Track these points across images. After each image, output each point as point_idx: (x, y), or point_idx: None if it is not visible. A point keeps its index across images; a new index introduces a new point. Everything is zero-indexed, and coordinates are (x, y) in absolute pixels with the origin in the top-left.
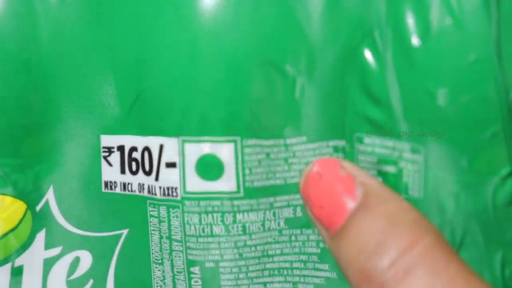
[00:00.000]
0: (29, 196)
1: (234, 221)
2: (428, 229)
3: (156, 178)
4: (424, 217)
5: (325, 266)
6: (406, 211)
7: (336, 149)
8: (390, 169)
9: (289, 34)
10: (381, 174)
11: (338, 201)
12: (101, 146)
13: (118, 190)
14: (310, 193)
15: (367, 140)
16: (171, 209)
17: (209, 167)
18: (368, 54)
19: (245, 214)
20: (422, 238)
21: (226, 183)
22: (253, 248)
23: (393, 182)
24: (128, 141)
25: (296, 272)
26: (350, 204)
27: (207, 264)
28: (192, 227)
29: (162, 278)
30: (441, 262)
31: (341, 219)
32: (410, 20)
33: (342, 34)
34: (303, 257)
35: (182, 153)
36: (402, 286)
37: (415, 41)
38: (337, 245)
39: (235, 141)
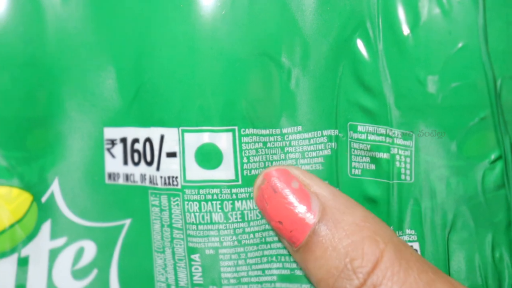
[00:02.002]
0: (35, 187)
1: (233, 209)
2: (388, 237)
3: (157, 168)
4: (382, 223)
5: None
6: (364, 221)
7: (330, 138)
8: (383, 155)
9: (284, 27)
10: (374, 160)
11: (297, 217)
12: (104, 139)
13: (121, 181)
14: (267, 208)
15: (361, 128)
16: (172, 198)
17: (208, 156)
18: (360, 45)
19: (244, 201)
20: (383, 254)
21: (225, 172)
22: (251, 235)
23: (386, 168)
24: (130, 132)
25: (293, 258)
26: (310, 220)
27: (207, 251)
28: (192, 215)
29: (163, 266)
30: (401, 274)
31: (303, 235)
32: (401, 10)
33: (335, 26)
34: None
35: (182, 143)
36: None
37: (405, 30)
38: (303, 259)
39: (233, 131)
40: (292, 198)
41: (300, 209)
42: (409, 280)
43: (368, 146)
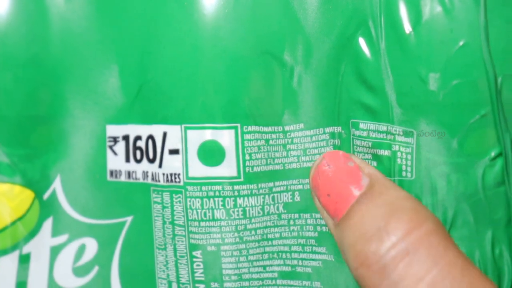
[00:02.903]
0: (37, 185)
1: (235, 206)
2: (427, 216)
3: (160, 165)
4: (423, 205)
5: (323, 249)
6: (406, 199)
7: (332, 135)
8: (384, 152)
9: (286, 26)
10: (376, 157)
11: (344, 189)
12: (107, 136)
13: (123, 178)
14: (319, 182)
15: (362, 125)
16: (174, 195)
17: (211, 153)
18: (362, 43)
19: (245, 198)
20: (421, 225)
21: (227, 169)
22: (253, 232)
23: (387, 165)
24: (133, 130)
25: (294, 255)
26: (355, 192)
27: (209, 248)
28: (194, 212)
29: (165, 263)
30: (439, 248)
31: (346, 206)
32: (403, 9)
33: (337, 24)
34: (301, 241)
35: (184, 140)
36: (400, 268)
37: (407, 29)
38: (341, 231)
39: (235, 128)
40: (344, 173)
41: (349, 182)
42: (448, 257)
43: (370, 143)
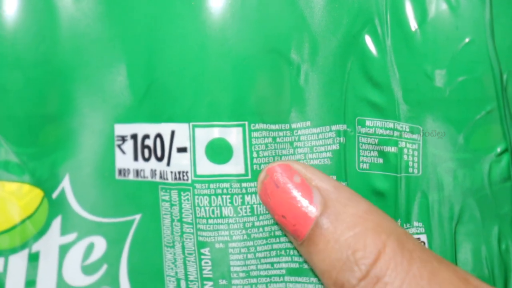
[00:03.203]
0: (46, 183)
1: (243, 203)
2: (390, 231)
3: (168, 163)
4: (385, 215)
5: None
6: (365, 216)
7: (338, 133)
8: (391, 149)
9: (293, 24)
10: (382, 154)
11: (299, 211)
12: (115, 135)
13: (131, 177)
14: (270, 202)
15: (369, 122)
16: (182, 193)
17: (219, 151)
18: (368, 41)
19: (253, 196)
20: (385, 245)
21: (235, 166)
22: (260, 229)
23: (393, 162)
24: (141, 129)
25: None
26: (312, 213)
27: (217, 245)
28: (203, 209)
29: (173, 261)
30: (404, 263)
31: (305, 229)
32: (408, 7)
33: (343, 22)
34: None
35: (192, 138)
36: None
37: (413, 26)
38: (307, 252)
39: (243, 126)
40: (294, 192)
41: (302, 203)
42: (413, 270)
43: (376, 140)
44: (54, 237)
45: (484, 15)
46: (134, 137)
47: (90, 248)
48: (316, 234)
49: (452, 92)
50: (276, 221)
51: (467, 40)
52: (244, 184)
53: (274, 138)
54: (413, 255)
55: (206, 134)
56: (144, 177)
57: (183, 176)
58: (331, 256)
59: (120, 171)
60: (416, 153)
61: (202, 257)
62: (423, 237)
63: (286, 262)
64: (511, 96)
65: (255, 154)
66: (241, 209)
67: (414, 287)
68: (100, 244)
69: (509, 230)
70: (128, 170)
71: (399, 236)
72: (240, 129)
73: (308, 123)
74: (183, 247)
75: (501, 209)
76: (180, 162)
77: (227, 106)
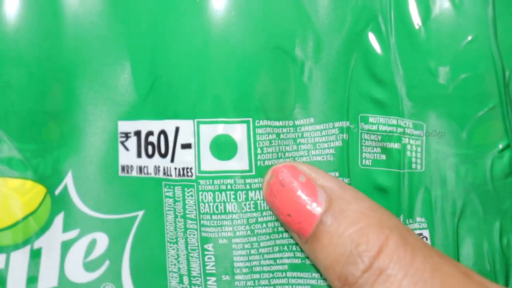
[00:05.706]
0: (49, 180)
1: (247, 199)
2: (393, 226)
3: (172, 160)
4: (388, 212)
5: None
6: (368, 212)
7: (341, 129)
8: (394, 145)
9: (297, 21)
10: (385, 150)
11: (304, 208)
12: (118, 132)
13: (134, 173)
14: (275, 202)
15: (372, 119)
16: (186, 189)
17: (223, 147)
18: (372, 38)
19: (257, 191)
20: (388, 240)
21: (239, 162)
22: (264, 225)
23: (396, 158)
24: (145, 125)
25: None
26: (316, 211)
27: (220, 241)
28: (206, 205)
29: (176, 257)
30: (407, 257)
31: (310, 226)
32: (412, 4)
33: (347, 20)
34: None
35: (197, 134)
36: (376, 286)
37: (416, 24)
38: (311, 249)
39: (247, 122)
40: (299, 191)
41: (307, 201)
42: (416, 263)
43: (379, 137)
44: (56, 234)
45: (487, 13)
46: (137, 134)
47: (92, 244)
48: (320, 231)
49: (455, 89)
50: (281, 221)
51: (470, 37)
52: (248, 180)
53: (278, 135)
54: (416, 249)
55: (211, 130)
56: (147, 173)
57: (187, 172)
58: (335, 251)
59: (123, 168)
60: (419, 149)
61: (206, 253)
62: (426, 232)
63: (288, 257)
64: None
65: (259, 151)
66: (245, 205)
67: (417, 279)
68: (102, 241)
69: (510, 225)
70: (131, 166)
71: (401, 231)
72: (244, 125)
73: (312, 119)
74: (186, 243)
75: (503, 204)
76: (184, 158)
77: (231, 103)
